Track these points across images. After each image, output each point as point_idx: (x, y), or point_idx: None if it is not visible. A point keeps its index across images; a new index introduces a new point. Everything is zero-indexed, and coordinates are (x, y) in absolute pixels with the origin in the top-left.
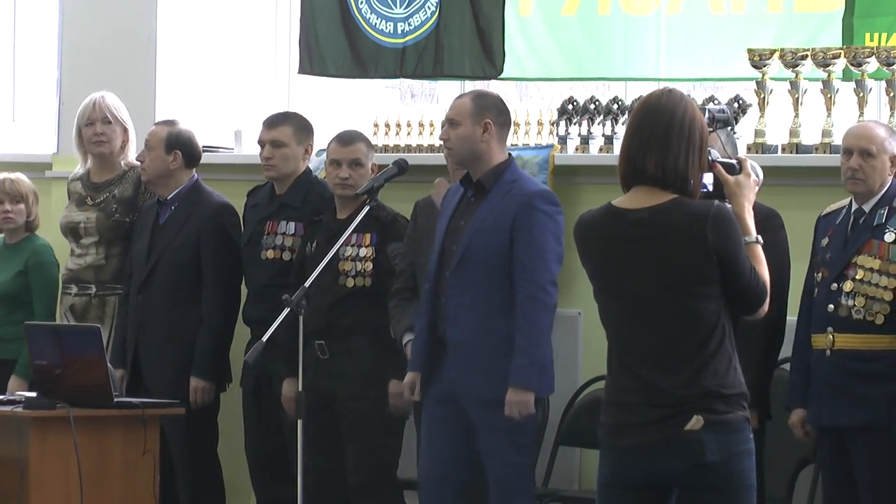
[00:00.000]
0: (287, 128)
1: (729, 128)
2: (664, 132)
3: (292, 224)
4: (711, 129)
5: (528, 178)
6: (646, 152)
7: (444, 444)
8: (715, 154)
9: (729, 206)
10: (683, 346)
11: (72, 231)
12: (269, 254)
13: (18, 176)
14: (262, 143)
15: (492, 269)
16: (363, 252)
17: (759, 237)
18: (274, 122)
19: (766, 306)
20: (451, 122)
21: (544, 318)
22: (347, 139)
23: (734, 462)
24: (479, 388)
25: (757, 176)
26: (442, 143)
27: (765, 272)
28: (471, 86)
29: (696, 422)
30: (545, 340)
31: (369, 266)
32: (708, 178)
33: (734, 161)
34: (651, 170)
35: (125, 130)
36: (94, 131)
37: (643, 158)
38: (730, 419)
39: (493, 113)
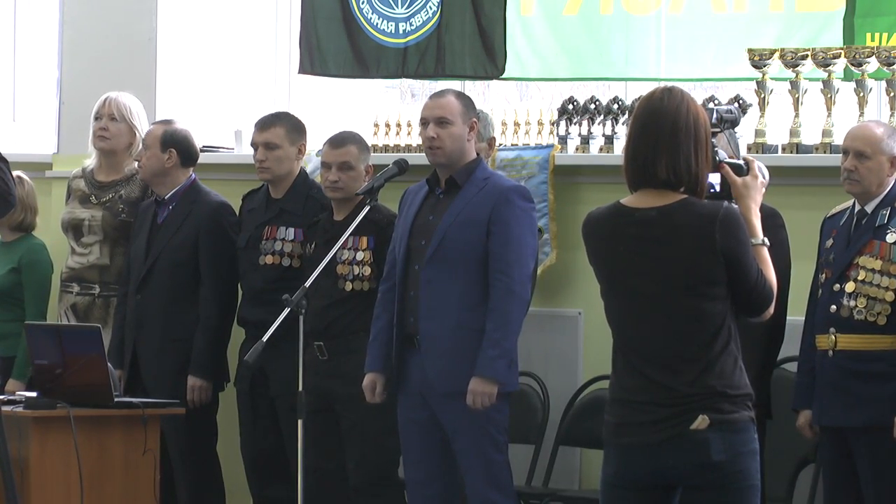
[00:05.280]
0: (279, 129)
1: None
2: (671, 135)
3: (292, 230)
4: (720, 130)
5: (501, 176)
6: (655, 157)
7: (422, 447)
8: (722, 155)
9: (736, 206)
10: (689, 345)
11: (74, 228)
12: (268, 259)
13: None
14: (254, 145)
15: (466, 262)
16: (360, 256)
17: (766, 239)
18: (266, 123)
19: (771, 308)
20: (441, 121)
21: (518, 313)
22: (337, 142)
23: (739, 462)
24: (453, 382)
25: (764, 177)
26: (429, 141)
27: (771, 274)
28: (471, 85)
29: (701, 421)
30: (516, 335)
31: (367, 270)
32: (715, 179)
33: (741, 162)
34: (662, 174)
35: (133, 132)
36: (99, 126)
37: (653, 164)
38: (736, 419)
39: (474, 112)
